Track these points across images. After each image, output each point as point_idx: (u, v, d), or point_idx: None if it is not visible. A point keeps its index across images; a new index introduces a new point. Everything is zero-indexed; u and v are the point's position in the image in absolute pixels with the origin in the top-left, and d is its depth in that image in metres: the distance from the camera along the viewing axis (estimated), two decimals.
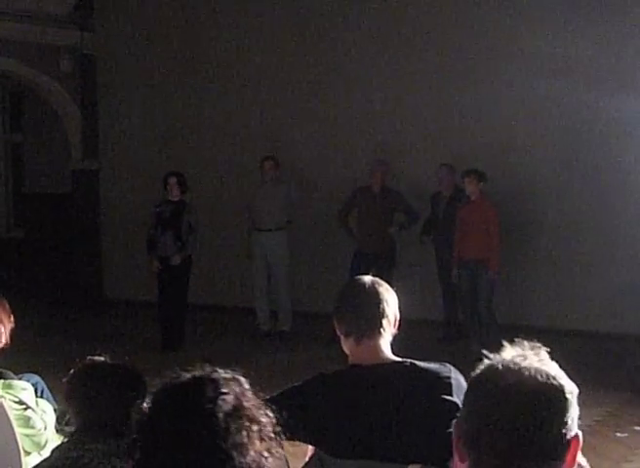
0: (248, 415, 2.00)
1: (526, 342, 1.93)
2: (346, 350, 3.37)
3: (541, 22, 11.37)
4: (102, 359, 3.39)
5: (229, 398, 2.00)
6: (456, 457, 1.89)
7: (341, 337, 3.38)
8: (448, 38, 11.92)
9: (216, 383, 2.02)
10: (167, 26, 13.99)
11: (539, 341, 1.94)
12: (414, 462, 3.14)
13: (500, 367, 1.87)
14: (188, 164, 13.88)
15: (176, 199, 10.86)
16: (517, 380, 1.83)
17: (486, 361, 1.91)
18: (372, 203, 11.15)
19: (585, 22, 11.13)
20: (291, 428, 2.16)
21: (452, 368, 3.34)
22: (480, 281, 10.24)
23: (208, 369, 2.08)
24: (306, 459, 3.48)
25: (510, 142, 11.59)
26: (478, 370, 1.91)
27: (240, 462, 1.94)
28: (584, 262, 11.25)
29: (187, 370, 2.07)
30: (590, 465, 2.37)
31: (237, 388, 2.04)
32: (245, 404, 2.01)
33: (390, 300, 3.35)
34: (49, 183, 15.01)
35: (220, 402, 1.97)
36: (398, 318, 3.40)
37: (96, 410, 3.23)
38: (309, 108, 12.93)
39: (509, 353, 1.91)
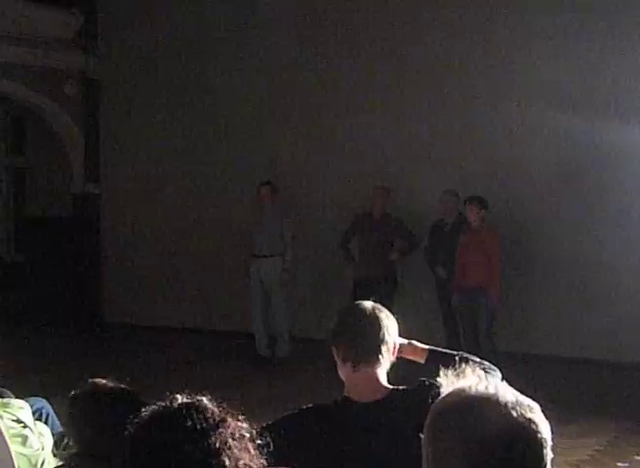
0: (232, 449, 1.96)
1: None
2: (342, 376, 3.26)
3: (546, 53, 11.41)
4: (105, 382, 3.33)
5: (215, 432, 1.96)
6: None
7: (338, 363, 3.27)
8: (451, 65, 11.95)
9: (201, 414, 1.98)
10: (171, 52, 14.05)
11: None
12: None
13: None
14: (191, 189, 13.91)
15: None
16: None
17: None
18: (372, 229, 11.15)
19: (590, 52, 11.18)
20: (279, 463, 2.12)
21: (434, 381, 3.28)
22: (480, 309, 10.21)
23: (194, 397, 2.04)
24: None
25: (513, 170, 11.60)
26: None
27: None
28: (585, 291, 11.22)
29: (173, 398, 2.03)
30: None
31: (223, 421, 1.99)
32: (229, 440, 1.97)
33: (390, 327, 3.26)
34: (50, 207, 15.04)
35: (203, 435, 1.94)
36: (398, 346, 3.33)
37: (96, 437, 3.19)
38: (310, 134, 12.94)
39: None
